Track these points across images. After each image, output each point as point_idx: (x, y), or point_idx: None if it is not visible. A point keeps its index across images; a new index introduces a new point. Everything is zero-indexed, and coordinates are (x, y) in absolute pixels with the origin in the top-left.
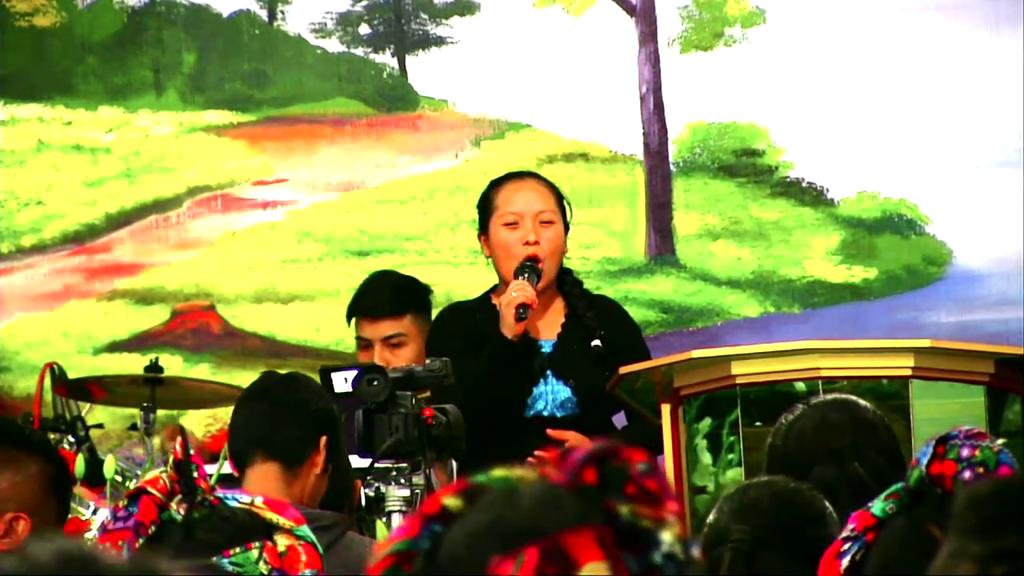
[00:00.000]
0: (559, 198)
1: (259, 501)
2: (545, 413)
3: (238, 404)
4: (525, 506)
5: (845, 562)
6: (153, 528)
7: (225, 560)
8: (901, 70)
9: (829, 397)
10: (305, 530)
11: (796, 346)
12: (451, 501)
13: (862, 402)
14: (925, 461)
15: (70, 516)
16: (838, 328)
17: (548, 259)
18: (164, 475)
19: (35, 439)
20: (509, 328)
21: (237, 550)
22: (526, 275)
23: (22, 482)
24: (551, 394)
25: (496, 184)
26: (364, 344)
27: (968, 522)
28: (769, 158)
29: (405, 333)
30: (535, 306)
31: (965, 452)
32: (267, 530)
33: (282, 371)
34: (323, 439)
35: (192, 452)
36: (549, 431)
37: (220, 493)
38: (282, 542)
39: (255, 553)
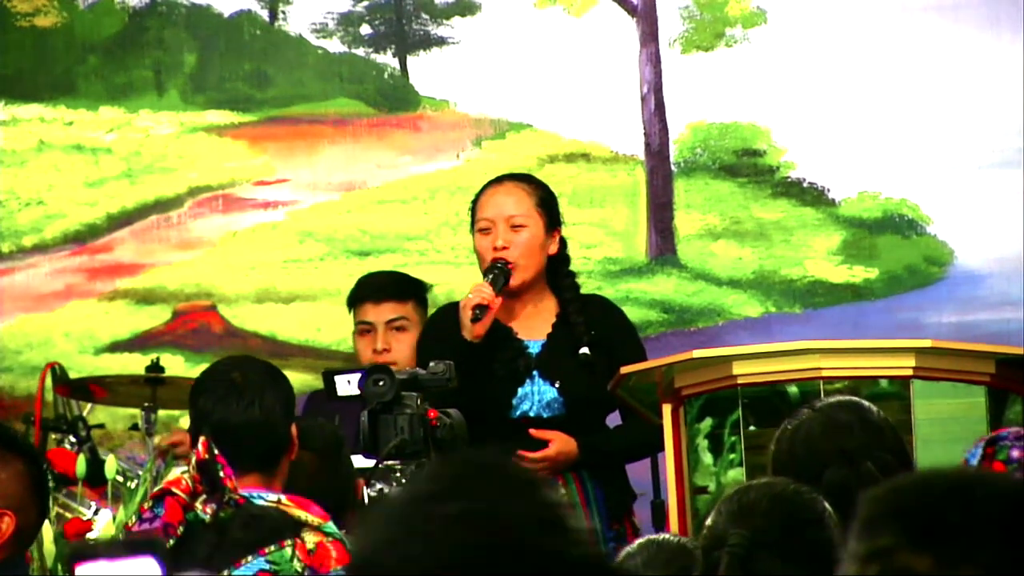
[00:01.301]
0: (541, 200)
1: (284, 499)
2: (531, 414)
3: (209, 398)
4: None
5: None
6: (181, 528)
7: (261, 558)
8: (902, 70)
9: (833, 399)
10: (332, 527)
11: (797, 346)
12: None
13: (866, 403)
14: (974, 462)
15: (71, 516)
16: (839, 328)
17: (520, 262)
18: (186, 476)
19: (18, 439)
20: (467, 330)
21: (272, 548)
22: (490, 277)
23: (7, 480)
24: (537, 395)
25: (480, 190)
26: (365, 329)
27: (857, 523)
28: (770, 158)
29: (408, 318)
30: (494, 307)
31: (1016, 454)
32: (296, 528)
33: (286, 371)
34: (293, 428)
35: (217, 452)
36: (532, 431)
37: (245, 492)
38: (310, 539)
39: (289, 551)
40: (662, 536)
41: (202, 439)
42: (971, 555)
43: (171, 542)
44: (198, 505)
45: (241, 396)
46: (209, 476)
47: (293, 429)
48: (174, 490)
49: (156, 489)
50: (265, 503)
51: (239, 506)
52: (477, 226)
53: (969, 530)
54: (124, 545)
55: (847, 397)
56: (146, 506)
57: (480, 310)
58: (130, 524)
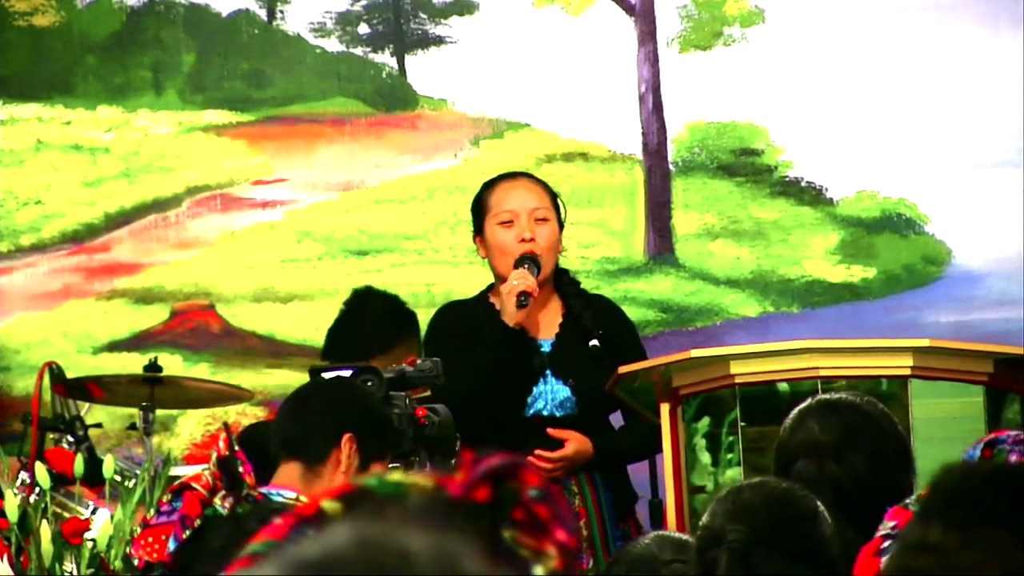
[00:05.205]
0: (552, 196)
1: (302, 497)
2: (545, 413)
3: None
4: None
5: (885, 560)
6: (198, 521)
7: None
8: (901, 70)
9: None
10: None
11: (795, 346)
12: (329, 505)
13: (856, 400)
14: None
15: (69, 516)
16: (837, 328)
17: (544, 256)
18: (207, 472)
19: None
20: (510, 316)
21: None
22: (526, 265)
23: None
24: (550, 394)
25: (489, 185)
26: None
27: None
28: (768, 157)
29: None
30: (536, 295)
31: (1014, 458)
32: None
33: (283, 370)
34: (345, 436)
35: (237, 449)
36: (550, 430)
37: (264, 489)
38: None
39: None
40: (669, 532)
41: (223, 436)
42: (980, 519)
43: (187, 533)
44: (217, 500)
45: (306, 387)
46: (229, 472)
47: (345, 438)
48: (194, 485)
49: (176, 483)
50: (283, 500)
51: (257, 502)
52: (497, 219)
53: (977, 499)
54: None
55: (835, 396)
56: (165, 499)
57: (526, 296)
58: (149, 518)
